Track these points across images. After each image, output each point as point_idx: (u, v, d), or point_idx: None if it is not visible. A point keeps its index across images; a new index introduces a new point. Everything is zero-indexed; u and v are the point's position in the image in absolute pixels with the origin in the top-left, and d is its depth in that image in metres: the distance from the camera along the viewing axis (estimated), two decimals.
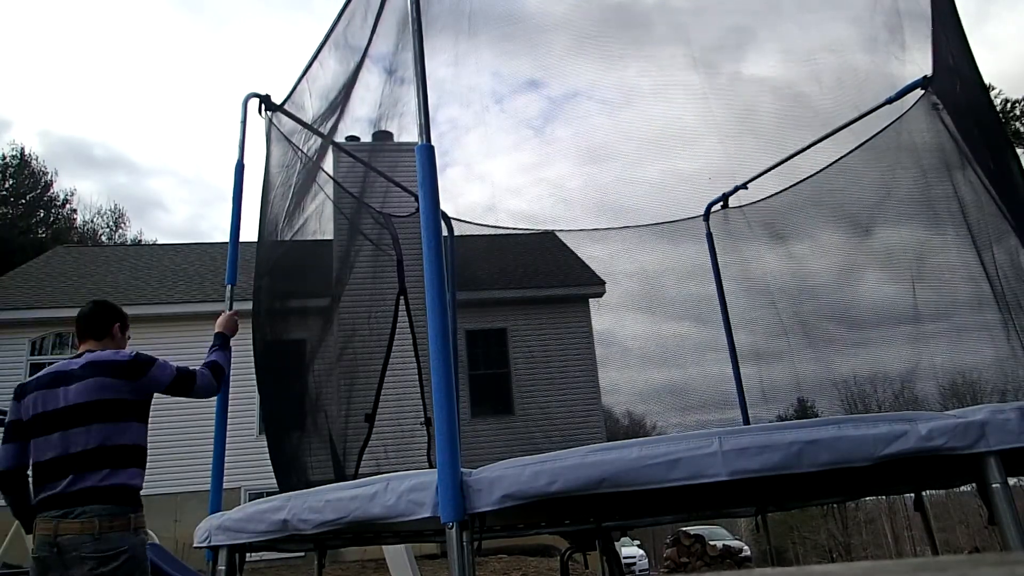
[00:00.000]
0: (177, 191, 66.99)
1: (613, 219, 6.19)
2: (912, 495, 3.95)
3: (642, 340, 6.52)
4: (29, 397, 2.73)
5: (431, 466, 2.39)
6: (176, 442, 11.19)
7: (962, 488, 3.90)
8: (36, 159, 33.12)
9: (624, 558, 13.40)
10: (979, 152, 3.77)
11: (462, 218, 6.28)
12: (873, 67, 4.39)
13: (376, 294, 5.60)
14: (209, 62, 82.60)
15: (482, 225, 6.29)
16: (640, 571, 17.88)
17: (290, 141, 4.47)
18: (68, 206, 34.48)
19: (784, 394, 5.57)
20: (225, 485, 3.46)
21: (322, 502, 2.47)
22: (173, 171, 67.22)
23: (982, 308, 3.95)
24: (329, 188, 4.99)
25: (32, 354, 12.87)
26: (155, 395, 2.85)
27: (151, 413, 2.85)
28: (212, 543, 2.93)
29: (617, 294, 6.81)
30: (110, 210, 38.05)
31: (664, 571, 15.51)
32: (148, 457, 2.80)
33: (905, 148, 4.46)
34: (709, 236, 6.13)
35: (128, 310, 3.28)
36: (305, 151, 4.57)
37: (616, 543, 4.50)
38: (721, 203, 6.00)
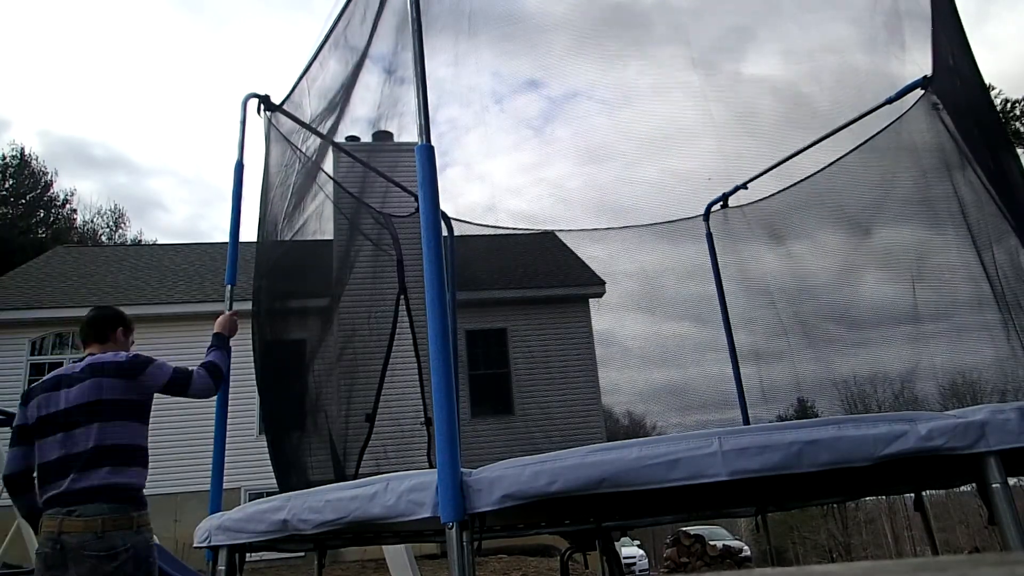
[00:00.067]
0: (177, 191, 67.14)
1: (613, 219, 6.19)
2: (912, 495, 3.94)
3: (642, 340, 6.52)
4: (34, 401, 2.77)
5: (431, 466, 2.39)
6: (176, 442, 11.19)
7: (962, 488, 3.89)
8: (36, 159, 33.20)
9: (624, 558, 13.40)
10: (979, 152, 3.76)
11: (462, 218, 6.28)
12: (873, 67, 4.39)
13: (376, 294, 5.60)
14: (209, 62, 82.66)
15: (482, 225, 6.28)
16: (640, 571, 17.88)
17: (289, 141, 4.47)
18: (68, 206, 34.55)
19: (784, 394, 5.56)
20: (225, 485, 3.46)
21: (322, 502, 2.47)
22: (173, 171, 67.37)
23: (982, 308, 3.94)
24: (329, 188, 4.99)
25: (32, 354, 12.87)
26: (155, 396, 2.86)
27: (152, 413, 2.86)
28: (212, 543, 2.93)
29: (617, 294, 6.80)
30: (110, 210, 38.14)
31: (664, 571, 15.51)
32: (149, 457, 2.82)
33: (905, 148, 4.46)
34: (709, 236, 6.11)
35: (128, 310, 3.28)
36: (305, 151, 4.56)
37: (616, 543, 4.49)
38: (721, 203, 5.99)
